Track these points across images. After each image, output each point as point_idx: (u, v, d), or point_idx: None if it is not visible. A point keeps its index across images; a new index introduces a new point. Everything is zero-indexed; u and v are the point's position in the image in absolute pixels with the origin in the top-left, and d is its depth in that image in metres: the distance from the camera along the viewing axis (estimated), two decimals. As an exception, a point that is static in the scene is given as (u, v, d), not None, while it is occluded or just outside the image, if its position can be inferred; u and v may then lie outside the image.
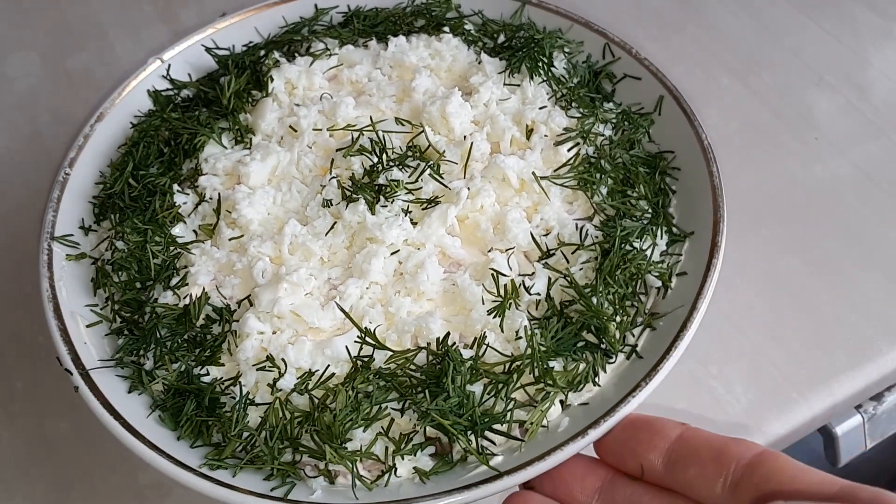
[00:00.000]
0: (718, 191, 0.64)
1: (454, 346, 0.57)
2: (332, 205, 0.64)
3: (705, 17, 1.00)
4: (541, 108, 0.70)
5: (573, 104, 0.72)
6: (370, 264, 0.60)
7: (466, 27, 0.79)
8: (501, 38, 0.78)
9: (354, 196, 0.64)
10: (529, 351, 0.56)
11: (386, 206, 0.64)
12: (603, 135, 0.70)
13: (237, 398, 0.56)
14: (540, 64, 0.74)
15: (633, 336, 0.60)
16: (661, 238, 0.64)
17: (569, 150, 0.68)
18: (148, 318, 0.61)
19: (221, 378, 0.58)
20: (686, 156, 0.68)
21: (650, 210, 0.66)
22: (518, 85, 0.73)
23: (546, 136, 0.69)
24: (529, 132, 0.69)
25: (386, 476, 0.54)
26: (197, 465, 0.54)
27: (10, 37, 1.00)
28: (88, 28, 0.99)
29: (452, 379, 0.55)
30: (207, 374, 0.59)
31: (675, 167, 0.69)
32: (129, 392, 0.59)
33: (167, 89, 0.77)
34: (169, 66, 0.77)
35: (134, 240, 0.64)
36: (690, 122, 0.69)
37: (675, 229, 0.65)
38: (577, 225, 0.64)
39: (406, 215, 0.63)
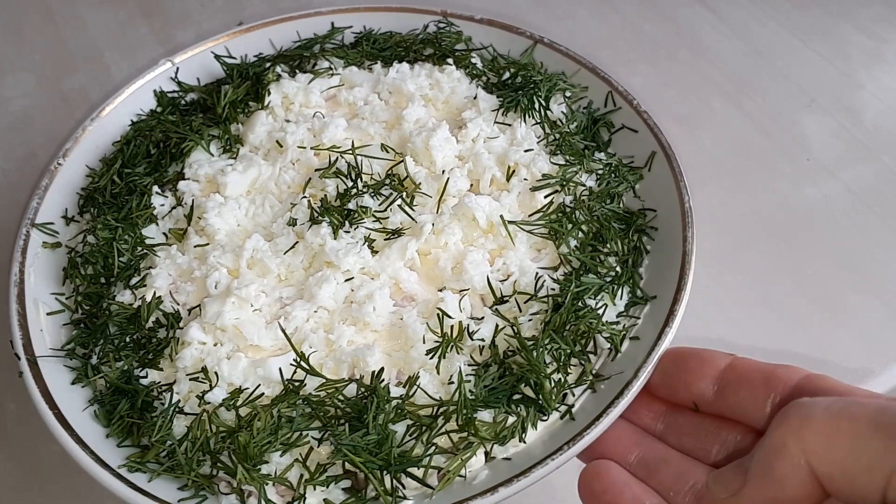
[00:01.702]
0: (688, 257, 0.62)
1: (384, 383, 0.57)
2: (296, 224, 0.65)
3: (698, 41, 1.01)
4: (526, 151, 0.69)
5: (562, 150, 0.70)
6: (321, 288, 0.61)
7: (473, 60, 0.79)
8: (506, 76, 0.77)
9: (320, 218, 0.64)
10: (458, 397, 0.55)
11: (349, 232, 0.64)
12: (584, 185, 0.68)
13: (167, 404, 0.57)
14: (537, 105, 0.73)
15: (574, 395, 0.58)
16: (621, 298, 0.62)
17: (545, 197, 0.67)
18: (102, 313, 0.62)
19: (159, 382, 0.59)
20: (667, 216, 0.66)
21: (618, 268, 0.64)
22: (509, 125, 0.72)
23: (526, 179, 0.68)
24: (511, 174, 0.68)
25: (295, 503, 0.54)
26: (116, 465, 0.55)
27: (5, 58, 1.00)
28: (84, 50, 1.00)
29: (375, 416, 0.55)
30: (146, 376, 0.60)
31: (654, 227, 0.67)
32: (73, 383, 0.60)
33: (173, 91, 0.79)
34: (178, 68, 0.79)
35: (103, 236, 0.65)
36: (677, 182, 0.67)
37: (638, 291, 0.63)
38: (537, 274, 0.62)
39: (367, 244, 0.63)
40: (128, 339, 0.61)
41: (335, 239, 0.63)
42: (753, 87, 0.95)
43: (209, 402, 0.57)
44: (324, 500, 0.54)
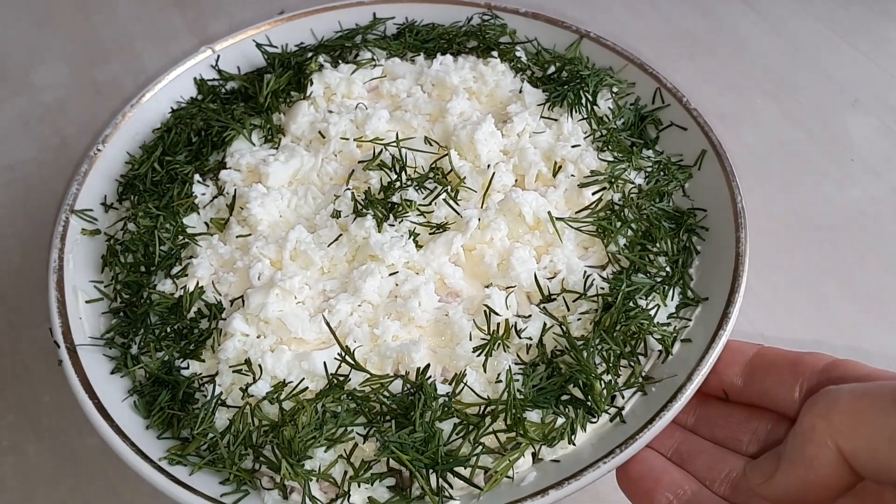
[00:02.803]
0: (741, 259, 0.60)
1: (430, 380, 0.56)
2: (340, 216, 0.64)
3: (737, 38, 0.99)
4: (573, 147, 0.68)
5: (609, 146, 0.69)
6: (365, 282, 0.59)
7: (518, 54, 0.77)
8: (552, 70, 0.76)
9: (364, 211, 0.63)
10: (506, 397, 0.54)
11: (394, 226, 0.63)
12: (633, 182, 0.66)
13: (209, 396, 0.56)
14: (583, 101, 0.71)
15: (623, 398, 0.57)
16: (672, 299, 0.61)
17: (593, 194, 0.65)
18: (142, 303, 0.61)
19: (200, 374, 0.58)
20: (717, 216, 0.65)
21: (668, 268, 0.62)
22: (555, 120, 0.71)
23: (573, 175, 0.67)
24: (557, 169, 0.67)
25: (339, 501, 0.53)
26: (157, 458, 0.54)
27: (38, 48, 0.99)
28: (117, 40, 0.99)
29: (421, 413, 0.54)
30: (188, 367, 0.59)
31: (704, 227, 0.65)
32: (112, 373, 0.59)
33: (213, 79, 0.78)
34: (218, 56, 0.78)
35: (144, 224, 0.64)
36: (728, 181, 0.65)
37: (689, 292, 0.61)
38: (585, 272, 0.61)
39: (412, 238, 0.62)
40: (169, 330, 0.60)
41: (379, 232, 0.62)
42: (795, 85, 0.94)
43: (252, 395, 0.56)
44: (368, 497, 0.53)
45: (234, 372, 0.57)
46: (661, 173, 0.68)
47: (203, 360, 0.59)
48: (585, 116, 0.71)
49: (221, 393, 0.57)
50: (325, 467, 0.53)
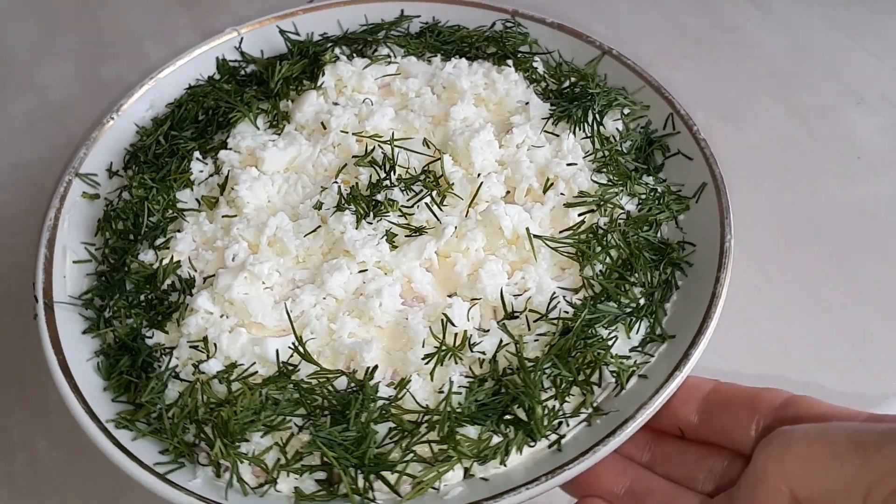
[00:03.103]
0: (716, 300, 0.58)
1: (376, 382, 0.56)
2: (321, 208, 0.64)
3: (741, 36, 0.99)
4: (569, 165, 0.67)
5: (607, 168, 0.67)
6: (332, 276, 0.60)
7: (535, 64, 0.76)
8: (567, 84, 0.75)
9: (345, 205, 0.64)
10: (443, 408, 0.54)
11: (371, 224, 0.63)
12: (622, 208, 0.65)
13: (163, 367, 0.58)
14: (590, 119, 0.70)
15: (568, 426, 0.56)
16: (637, 332, 0.59)
17: (579, 215, 0.64)
18: (122, 269, 0.63)
19: (163, 345, 0.60)
20: (704, 253, 0.63)
21: (642, 300, 0.61)
22: (557, 135, 0.69)
23: (563, 194, 0.65)
24: (548, 186, 0.66)
25: (266, 487, 0.54)
26: (105, 419, 0.56)
27: (43, 46, 1.00)
28: (123, 37, 1.00)
29: (357, 413, 0.54)
30: (152, 336, 0.60)
31: (689, 262, 0.63)
32: (84, 333, 0.62)
33: (235, 60, 0.80)
34: (241, 38, 0.80)
35: (137, 193, 0.67)
36: (721, 219, 0.63)
37: (658, 328, 0.60)
38: (554, 294, 0.60)
39: (388, 238, 0.62)
40: (142, 298, 0.62)
41: (357, 228, 0.63)
42: (799, 83, 0.94)
43: (203, 372, 0.57)
44: (295, 487, 0.54)
45: (190, 347, 0.58)
46: (656, 202, 0.66)
47: (167, 332, 0.61)
48: (589, 135, 0.70)
49: (177, 366, 0.58)
50: (259, 452, 0.54)
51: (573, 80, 0.75)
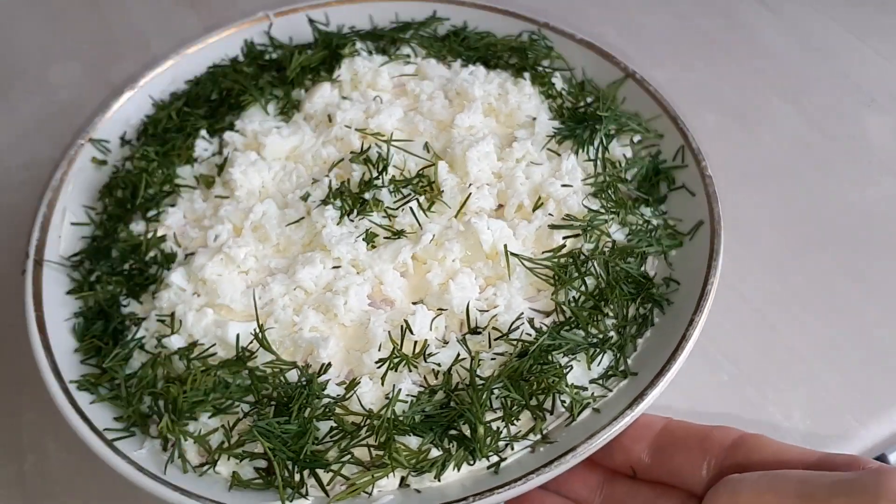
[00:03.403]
0: (684, 343, 0.56)
1: (325, 378, 0.56)
2: (307, 199, 0.65)
3: (753, 38, 0.99)
4: (563, 186, 0.65)
5: (603, 194, 0.66)
6: (304, 269, 0.61)
7: (554, 79, 0.75)
8: (582, 103, 0.73)
9: (330, 200, 0.64)
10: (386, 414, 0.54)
11: (353, 221, 0.63)
12: (609, 236, 0.63)
13: (130, 337, 0.59)
14: (598, 142, 0.69)
15: (512, 449, 0.55)
16: (598, 364, 0.58)
17: (563, 238, 0.63)
18: (111, 236, 0.65)
19: (136, 314, 0.62)
20: (687, 292, 0.61)
21: (612, 333, 0.59)
22: (558, 155, 0.68)
23: (551, 215, 0.64)
24: (538, 205, 0.65)
25: (206, 467, 0.55)
26: (69, 379, 0.58)
27: (52, 46, 1.00)
28: (131, 38, 1.00)
29: (301, 407, 0.54)
30: (128, 305, 0.62)
31: (670, 300, 0.62)
32: (68, 293, 0.64)
33: (263, 45, 0.81)
34: (272, 23, 0.81)
35: (138, 165, 0.68)
36: (710, 260, 0.61)
37: (622, 363, 0.58)
38: (522, 314, 0.59)
39: (368, 238, 0.62)
40: (125, 267, 0.64)
41: (338, 224, 0.63)
42: (811, 85, 0.93)
43: (166, 347, 0.59)
44: (234, 472, 0.55)
45: (158, 321, 0.60)
46: (648, 234, 0.65)
47: (141, 303, 0.62)
48: (592, 158, 0.68)
49: (144, 337, 0.60)
50: (205, 432, 0.55)
51: (589, 100, 0.73)
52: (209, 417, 0.56)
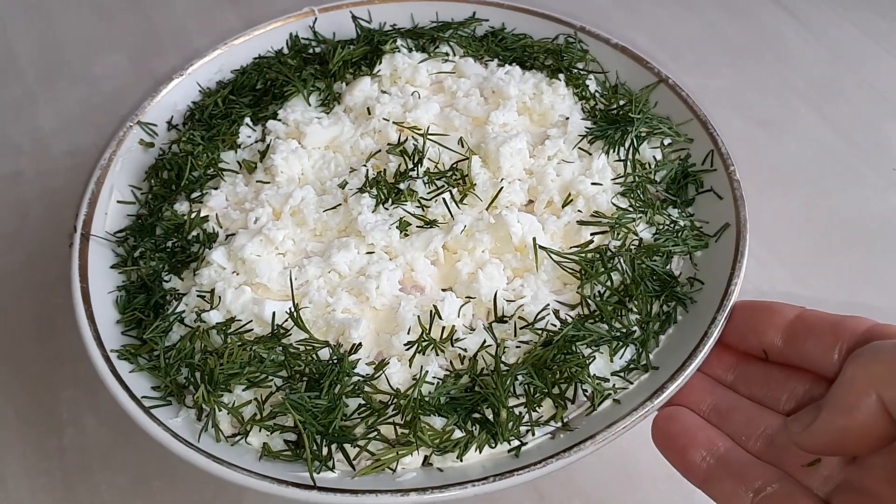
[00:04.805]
0: (706, 340, 0.58)
1: (355, 358, 0.58)
2: (345, 187, 0.67)
3: (780, 46, 1.02)
4: (593, 184, 0.67)
5: (632, 194, 0.67)
6: (339, 253, 0.63)
7: (588, 81, 0.77)
8: (615, 106, 0.75)
9: (367, 189, 0.66)
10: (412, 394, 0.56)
11: (388, 210, 0.66)
12: (636, 234, 0.65)
13: (170, 311, 0.62)
14: (629, 143, 0.70)
15: (534, 435, 0.57)
16: (621, 357, 0.59)
17: (591, 234, 0.65)
18: (157, 214, 0.68)
19: (176, 290, 0.64)
20: (710, 292, 0.62)
21: (635, 328, 0.61)
22: (589, 154, 0.70)
23: (580, 211, 0.66)
24: (567, 201, 0.66)
25: (238, 438, 0.57)
26: (110, 349, 0.60)
27: (96, 39, 1.03)
28: (173, 33, 1.03)
29: (331, 383, 0.56)
30: (169, 281, 0.65)
31: (694, 299, 0.63)
32: (112, 267, 0.67)
33: (307, 38, 0.83)
34: (316, 18, 0.83)
35: (185, 148, 0.71)
36: (734, 262, 0.62)
37: (644, 357, 0.60)
38: (548, 305, 0.61)
39: (401, 227, 0.65)
40: (168, 244, 0.67)
41: (373, 212, 0.65)
42: (837, 93, 0.96)
43: (204, 322, 0.61)
44: (264, 443, 0.57)
45: (198, 296, 0.62)
46: (674, 234, 0.66)
47: (182, 279, 0.65)
48: (623, 159, 0.70)
49: (184, 311, 0.62)
50: (239, 404, 0.58)
51: (621, 102, 0.75)
52: (243, 390, 0.58)
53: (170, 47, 1.00)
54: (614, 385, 0.58)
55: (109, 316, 0.64)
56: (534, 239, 0.63)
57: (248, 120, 0.74)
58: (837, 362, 0.51)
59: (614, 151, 0.70)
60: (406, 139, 0.70)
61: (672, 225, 0.67)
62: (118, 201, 0.70)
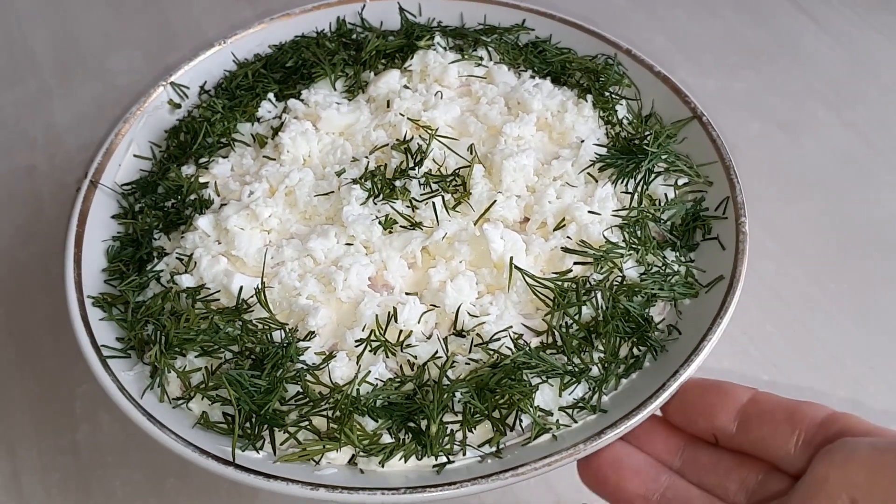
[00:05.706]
0: (658, 394, 0.55)
1: (305, 345, 0.59)
2: (341, 175, 0.67)
3: (799, 49, 1.02)
4: (590, 212, 0.65)
5: (629, 229, 0.65)
6: (317, 240, 0.63)
7: (619, 106, 0.74)
8: (642, 134, 0.72)
9: (360, 180, 0.66)
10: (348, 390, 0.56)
11: (377, 205, 0.65)
12: (621, 272, 0.62)
13: (149, 268, 0.64)
14: (641, 176, 0.68)
15: (464, 456, 0.55)
16: (571, 394, 0.57)
17: (574, 264, 0.63)
18: (160, 173, 0.70)
19: (162, 248, 0.66)
20: (682, 345, 0.59)
21: (595, 367, 0.59)
22: (596, 180, 0.68)
23: (569, 238, 0.64)
24: (559, 226, 0.65)
25: (181, 402, 0.58)
26: (87, 294, 0.63)
27: (112, 35, 1.04)
28: (189, 30, 1.04)
29: (273, 366, 0.57)
30: (158, 239, 0.67)
31: (666, 348, 0.60)
32: (113, 217, 0.69)
33: (353, 24, 0.84)
34: (364, 5, 0.84)
35: (203, 114, 0.73)
36: (715, 317, 0.59)
37: (596, 398, 0.57)
38: (510, 327, 0.59)
39: (385, 224, 0.64)
40: (167, 204, 0.69)
41: (363, 205, 0.65)
42: (856, 97, 0.96)
43: (176, 284, 0.63)
44: (203, 412, 0.58)
45: (177, 258, 0.64)
46: (664, 279, 0.63)
47: (170, 240, 0.67)
48: (631, 191, 0.67)
49: (162, 270, 0.64)
50: (190, 369, 0.59)
51: (647, 133, 0.72)
52: (196, 356, 0.59)
53: (185, 44, 1.01)
54: (557, 420, 0.56)
55: (99, 264, 0.66)
56: (510, 258, 0.61)
57: (271, 95, 0.75)
58: (796, 454, 0.49)
59: (622, 183, 0.67)
60: (412, 137, 0.69)
61: (664, 268, 0.64)
62: (134, 155, 0.73)
